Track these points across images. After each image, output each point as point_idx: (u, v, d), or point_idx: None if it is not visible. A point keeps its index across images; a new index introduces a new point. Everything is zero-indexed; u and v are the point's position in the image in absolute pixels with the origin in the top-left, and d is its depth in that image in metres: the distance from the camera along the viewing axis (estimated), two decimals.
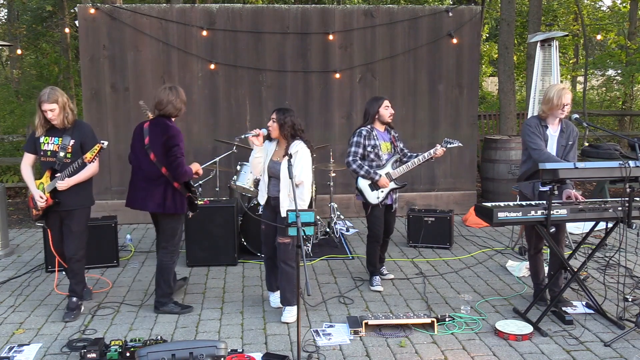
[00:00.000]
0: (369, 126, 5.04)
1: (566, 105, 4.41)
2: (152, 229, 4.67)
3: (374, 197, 5.04)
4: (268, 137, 4.53)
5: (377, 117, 5.03)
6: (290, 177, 3.91)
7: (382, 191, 5.03)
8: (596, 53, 19.04)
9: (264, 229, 4.65)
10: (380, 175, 4.98)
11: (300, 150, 4.39)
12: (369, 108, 5.07)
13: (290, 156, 4.23)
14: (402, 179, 5.17)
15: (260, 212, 5.40)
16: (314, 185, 6.63)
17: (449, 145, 5.07)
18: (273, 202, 4.52)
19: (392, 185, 5.07)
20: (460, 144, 5.22)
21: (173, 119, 4.57)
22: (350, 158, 4.99)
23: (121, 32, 7.56)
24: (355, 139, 5.01)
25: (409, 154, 5.19)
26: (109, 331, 4.32)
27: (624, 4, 15.03)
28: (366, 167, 4.97)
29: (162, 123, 4.50)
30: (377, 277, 5.26)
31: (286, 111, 4.45)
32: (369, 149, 4.99)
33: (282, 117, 4.40)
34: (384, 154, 5.05)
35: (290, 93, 7.86)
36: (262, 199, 4.62)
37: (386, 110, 5.02)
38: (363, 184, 5.05)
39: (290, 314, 4.46)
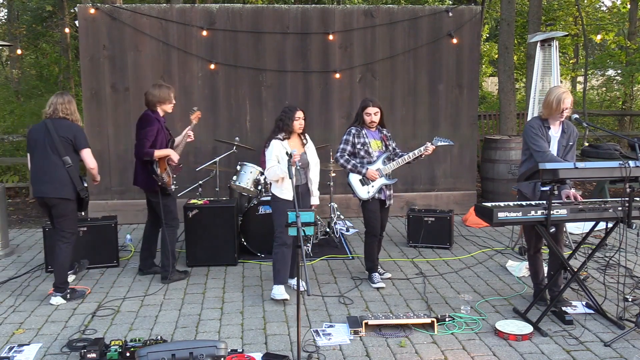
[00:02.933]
0: (358, 125, 5.19)
1: (565, 109, 4.41)
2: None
3: (364, 191, 5.13)
4: (280, 138, 4.85)
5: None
6: (291, 178, 4.02)
7: (372, 186, 5.12)
8: (596, 53, 19.04)
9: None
10: (368, 168, 5.10)
11: (309, 140, 5.11)
12: (358, 109, 5.25)
13: (290, 155, 4.37)
14: (395, 177, 5.29)
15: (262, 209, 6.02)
16: None
17: (439, 143, 5.18)
18: (300, 189, 4.88)
19: (383, 180, 5.16)
20: (451, 143, 5.31)
21: (158, 110, 5.26)
22: (338, 154, 5.20)
23: (121, 32, 7.56)
24: (344, 137, 5.23)
25: (400, 153, 5.29)
26: (109, 331, 4.32)
27: (623, 5, 15.03)
28: (353, 162, 5.14)
29: (142, 113, 5.28)
30: (376, 274, 5.28)
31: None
32: (358, 146, 5.14)
33: (304, 114, 4.92)
34: (374, 152, 5.18)
35: (290, 93, 7.85)
36: (289, 194, 4.77)
37: (367, 117, 5.15)
38: (354, 179, 5.17)
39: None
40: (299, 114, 4.86)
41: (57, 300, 4.87)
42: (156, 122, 5.18)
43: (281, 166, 4.74)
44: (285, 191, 4.83)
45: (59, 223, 4.91)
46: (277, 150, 4.78)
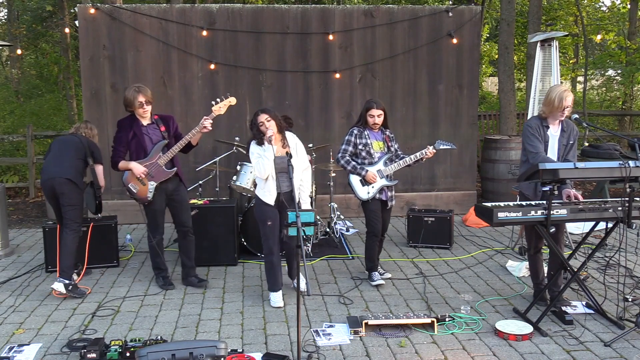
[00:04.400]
0: (361, 126, 5.18)
1: (567, 107, 4.41)
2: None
3: (364, 192, 5.13)
4: (257, 142, 4.69)
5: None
6: (291, 178, 4.01)
7: (372, 187, 5.12)
8: (596, 53, 19.03)
9: (270, 224, 4.70)
10: (367, 171, 5.09)
11: (297, 141, 4.81)
12: (362, 109, 5.22)
13: (291, 156, 4.33)
14: (395, 177, 5.29)
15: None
16: (314, 185, 6.64)
17: (440, 147, 5.19)
18: (282, 197, 4.66)
19: (384, 182, 5.15)
20: (453, 147, 5.28)
21: (134, 112, 5.05)
22: (340, 154, 5.18)
23: (121, 32, 7.56)
24: (346, 137, 5.21)
25: (401, 154, 5.28)
26: (109, 331, 4.32)
27: (623, 5, 15.03)
28: (353, 163, 5.13)
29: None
30: (376, 272, 5.29)
31: (268, 108, 4.76)
32: (360, 147, 5.14)
33: (271, 113, 4.64)
34: (375, 152, 5.17)
35: (290, 93, 7.86)
36: (271, 198, 4.67)
37: (370, 118, 5.12)
38: (354, 179, 5.17)
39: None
40: (262, 118, 4.60)
41: (58, 286, 4.95)
42: (125, 128, 5.03)
43: (265, 157, 4.56)
44: (267, 194, 4.68)
45: (66, 212, 5.07)
46: (256, 149, 4.67)
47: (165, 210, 5.22)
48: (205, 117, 4.97)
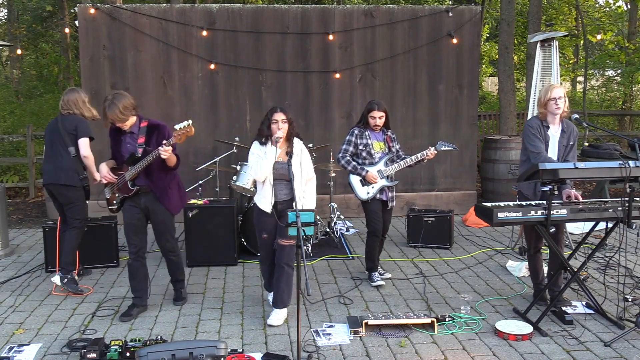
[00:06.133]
0: (362, 126, 5.17)
1: (557, 99, 4.37)
2: (151, 229, 4.82)
3: (364, 192, 5.14)
4: (260, 142, 4.41)
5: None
6: (291, 178, 3.96)
7: (372, 187, 5.12)
8: (596, 53, 19.02)
9: (265, 237, 4.49)
10: (368, 171, 5.08)
11: (303, 148, 4.48)
12: (364, 110, 5.22)
13: (291, 156, 4.27)
14: (395, 178, 5.28)
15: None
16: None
17: (442, 148, 5.18)
18: (280, 206, 4.42)
19: (384, 182, 5.15)
20: (455, 148, 5.28)
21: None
22: (340, 154, 5.18)
23: (121, 32, 7.56)
24: (347, 137, 5.21)
25: (402, 155, 5.28)
26: (109, 331, 4.32)
27: (618, 4, 15.01)
28: (354, 163, 5.13)
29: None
30: (376, 273, 5.29)
31: (286, 109, 4.41)
32: (360, 147, 5.13)
33: (288, 115, 4.35)
34: (376, 153, 5.16)
35: (290, 93, 7.86)
36: (267, 206, 4.40)
37: (372, 120, 5.11)
38: (354, 179, 5.17)
39: (278, 316, 4.42)
40: (278, 116, 4.27)
41: (56, 279, 5.07)
42: (110, 133, 4.55)
43: (265, 159, 4.27)
44: (263, 200, 4.40)
45: (67, 210, 5.17)
46: (257, 149, 4.38)
47: (144, 225, 4.63)
48: (164, 141, 4.20)
